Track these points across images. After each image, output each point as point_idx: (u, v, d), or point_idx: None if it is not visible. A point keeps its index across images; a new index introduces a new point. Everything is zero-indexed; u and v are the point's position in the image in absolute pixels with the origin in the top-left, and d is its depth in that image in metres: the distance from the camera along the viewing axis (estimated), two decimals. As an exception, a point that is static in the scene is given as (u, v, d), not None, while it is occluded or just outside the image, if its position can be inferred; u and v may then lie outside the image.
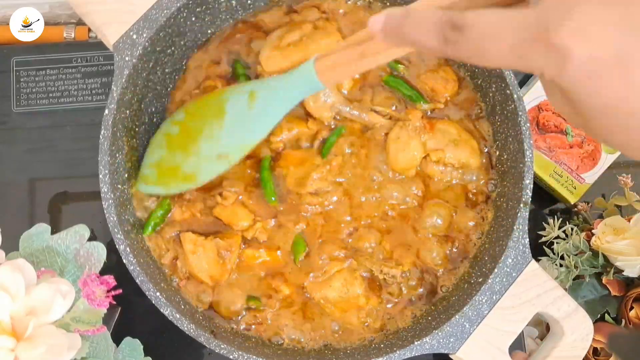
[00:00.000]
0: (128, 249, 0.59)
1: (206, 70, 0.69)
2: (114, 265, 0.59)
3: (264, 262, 0.65)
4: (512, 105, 0.63)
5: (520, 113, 0.63)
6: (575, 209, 0.77)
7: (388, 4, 0.70)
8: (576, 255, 0.72)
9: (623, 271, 0.71)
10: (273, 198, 0.65)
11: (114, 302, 0.53)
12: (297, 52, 0.67)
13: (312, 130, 0.67)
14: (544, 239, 0.73)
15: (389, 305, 0.66)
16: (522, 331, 0.63)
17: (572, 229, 0.72)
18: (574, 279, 0.72)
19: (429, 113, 0.68)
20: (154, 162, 0.64)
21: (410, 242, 0.67)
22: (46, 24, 0.79)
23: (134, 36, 0.61)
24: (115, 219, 0.59)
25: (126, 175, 0.64)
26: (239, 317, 0.65)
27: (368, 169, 0.67)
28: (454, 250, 0.67)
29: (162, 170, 0.63)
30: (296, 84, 0.55)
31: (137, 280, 0.59)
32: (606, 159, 0.78)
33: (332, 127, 0.67)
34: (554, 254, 0.73)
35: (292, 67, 0.67)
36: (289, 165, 0.66)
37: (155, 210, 0.65)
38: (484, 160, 0.68)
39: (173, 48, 0.67)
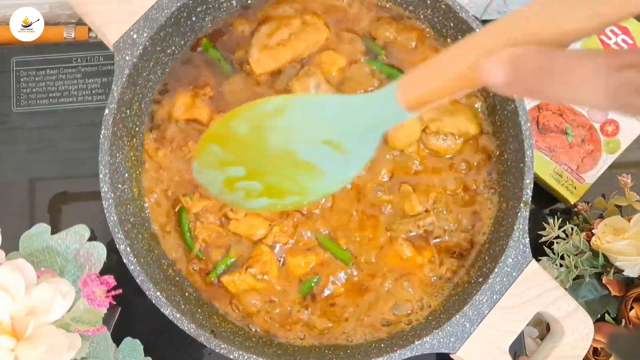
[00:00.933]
0: (128, 248, 0.59)
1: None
2: (114, 265, 0.59)
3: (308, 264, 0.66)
4: (512, 105, 0.63)
5: (520, 113, 0.63)
6: (576, 209, 0.77)
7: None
8: (576, 255, 0.72)
9: (623, 271, 0.70)
10: None
11: (114, 302, 0.53)
12: (286, 51, 0.67)
13: None
14: (544, 239, 0.73)
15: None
16: (522, 331, 0.63)
17: (572, 229, 0.72)
18: (574, 279, 0.72)
19: None
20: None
21: (425, 185, 0.67)
22: (46, 24, 0.79)
23: (135, 36, 0.61)
24: (115, 218, 0.59)
25: (126, 175, 0.64)
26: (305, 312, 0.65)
27: None
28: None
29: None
30: (375, 112, 0.45)
31: (137, 280, 0.59)
32: (606, 159, 0.78)
33: None
34: (554, 254, 0.73)
35: (281, 68, 0.68)
36: None
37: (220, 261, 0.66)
38: (483, 127, 0.68)
39: (174, 48, 0.67)
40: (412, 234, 0.66)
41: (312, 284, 0.65)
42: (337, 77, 0.68)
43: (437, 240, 0.67)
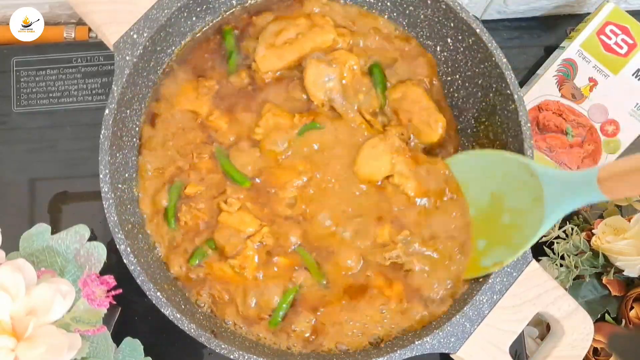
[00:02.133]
0: (128, 248, 0.59)
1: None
2: (114, 265, 0.59)
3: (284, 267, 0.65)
4: (512, 105, 0.63)
5: (520, 113, 0.63)
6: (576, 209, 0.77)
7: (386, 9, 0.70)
8: (576, 255, 0.72)
9: (623, 271, 0.71)
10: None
11: (114, 302, 0.53)
12: (293, 51, 0.67)
13: (295, 125, 0.67)
14: (544, 239, 0.73)
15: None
16: (523, 331, 0.63)
17: (572, 229, 0.72)
18: (574, 279, 0.72)
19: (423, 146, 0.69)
20: None
21: (382, 213, 0.66)
22: (46, 24, 0.79)
23: (135, 36, 0.61)
24: (115, 218, 0.59)
25: (126, 175, 0.64)
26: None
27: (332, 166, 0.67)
28: None
29: None
30: (581, 194, 0.53)
31: (137, 280, 0.59)
32: (606, 159, 0.78)
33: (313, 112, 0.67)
34: (554, 254, 0.73)
35: (287, 68, 0.68)
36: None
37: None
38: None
39: (174, 47, 0.67)
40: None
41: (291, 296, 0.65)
42: (348, 78, 0.68)
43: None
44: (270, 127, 0.66)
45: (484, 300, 0.61)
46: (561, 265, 0.72)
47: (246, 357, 0.58)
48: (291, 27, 0.68)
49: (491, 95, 0.67)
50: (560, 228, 0.73)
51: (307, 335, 0.64)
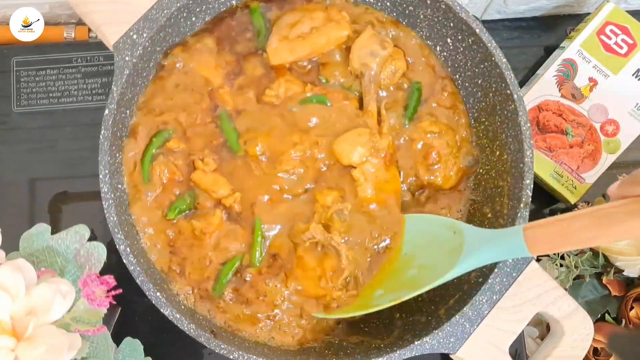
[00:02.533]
0: (128, 249, 0.59)
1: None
2: (114, 265, 0.59)
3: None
4: (512, 105, 0.63)
5: (520, 113, 0.63)
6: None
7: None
8: (576, 255, 0.72)
9: (623, 271, 0.71)
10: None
11: (114, 302, 0.53)
12: (305, 45, 0.67)
13: (304, 93, 0.67)
14: (544, 239, 0.73)
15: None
16: (522, 331, 0.63)
17: (572, 229, 0.72)
18: (574, 279, 0.72)
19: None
20: None
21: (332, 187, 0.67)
22: (46, 24, 0.79)
23: (134, 36, 0.61)
24: (115, 219, 0.59)
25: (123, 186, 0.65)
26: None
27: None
28: None
29: None
30: (502, 243, 0.54)
31: (137, 280, 0.59)
32: (606, 159, 0.78)
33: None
34: (554, 254, 0.73)
35: (297, 61, 0.68)
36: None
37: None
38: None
39: (174, 48, 0.67)
40: None
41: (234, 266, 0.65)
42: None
43: None
44: (282, 92, 0.67)
45: (484, 300, 0.61)
46: (561, 265, 0.72)
47: (246, 357, 0.58)
48: (307, 20, 0.68)
49: (491, 95, 0.67)
50: (560, 228, 0.73)
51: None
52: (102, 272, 0.55)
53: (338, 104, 0.68)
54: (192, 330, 0.58)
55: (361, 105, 0.68)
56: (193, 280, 0.64)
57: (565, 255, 0.72)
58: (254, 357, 0.59)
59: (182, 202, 0.65)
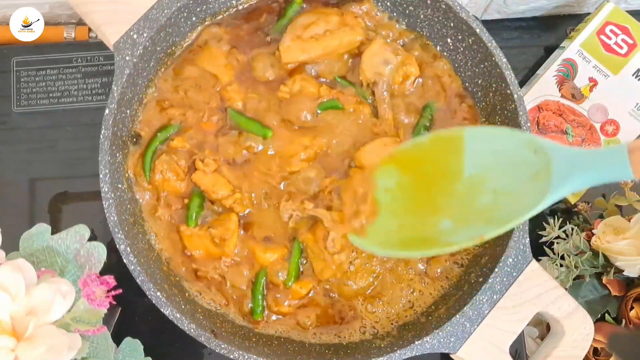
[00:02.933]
0: (128, 248, 0.59)
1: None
2: (114, 265, 0.59)
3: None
4: (512, 105, 0.63)
5: (520, 113, 0.63)
6: (576, 209, 0.77)
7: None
8: (576, 255, 0.72)
9: (623, 271, 0.71)
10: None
11: (114, 302, 0.53)
12: (317, 46, 0.67)
13: (318, 95, 0.67)
14: (544, 239, 0.73)
15: None
16: (523, 331, 0.63)
17: (572, 229, 0.72)
18: (574, 279, 0.72)
19: None
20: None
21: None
22: (46, 24, 0.79)
23: (135, 36, 0.61)
24: (115, 218, 0.59)
25: (127, 175, 0.64)
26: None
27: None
28: None
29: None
30: (602, 165, 0.49)
31: (137, 280, 0.59)
32: (606, 159, 0.78)
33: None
34: (554, 254, 0.73)
35: (308, 61, 0.68)
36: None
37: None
38: None
39: (174, 48, 0.67)
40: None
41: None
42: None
43: None
44: (296, 90, 0.67)
45: (484, 300, 0.61)
46: (561, 265, 0.72)
47: (246, 357, 0.58)
48: (321, 23, 0.68)
49: (491, 95, 0.67)
50: (560, 228, 0.73)
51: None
52: (102, 272, 0.55)
53: (353, 111, 0.68)
54: (192, 330, 0.58)
55: (375, 114, 0.68)
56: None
57: (565, 255, 0.72)
58: (254, 357, 0.59)
59: (194, 203, 0.65)
